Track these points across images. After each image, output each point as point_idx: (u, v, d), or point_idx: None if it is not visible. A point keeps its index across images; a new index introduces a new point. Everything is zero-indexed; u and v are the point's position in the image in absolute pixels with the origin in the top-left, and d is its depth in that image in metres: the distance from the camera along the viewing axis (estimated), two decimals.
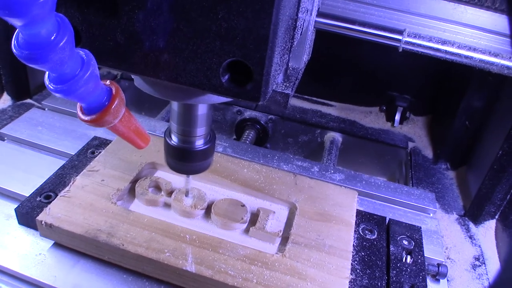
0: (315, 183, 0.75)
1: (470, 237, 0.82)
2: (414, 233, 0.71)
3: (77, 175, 0.70)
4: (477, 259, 0.77)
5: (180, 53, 0.37)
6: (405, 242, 0.69)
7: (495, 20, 0.78)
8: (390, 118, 1.16)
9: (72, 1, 0.37)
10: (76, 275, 0.59)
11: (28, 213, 0.64)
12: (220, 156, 0.78)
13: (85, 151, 0.79)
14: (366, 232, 0.70)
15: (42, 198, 0.67)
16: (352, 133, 1.09)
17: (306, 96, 1.21)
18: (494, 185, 0.80)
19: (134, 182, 0.71)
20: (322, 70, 1.15)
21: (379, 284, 0.61)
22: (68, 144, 0.84)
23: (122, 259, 0.60)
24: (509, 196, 0.80)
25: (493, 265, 0.76)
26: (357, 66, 1.15)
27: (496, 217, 0.83)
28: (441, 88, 1.13)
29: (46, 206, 0.63)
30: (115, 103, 0.38)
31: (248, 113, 1.12)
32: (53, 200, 0.65)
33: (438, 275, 0.67)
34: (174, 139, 0.54)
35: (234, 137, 1.15)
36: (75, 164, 0.75)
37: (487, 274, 0.74)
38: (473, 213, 0.85)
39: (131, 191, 0.70)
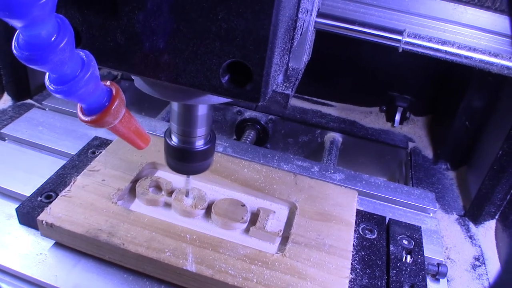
0: (315, 183, 0.75)
1: (470, 237, 0.82)
2: (414, 233, 0.71)
3: (77, 175, 0.70)
4: (477, 259, 0.77)
5: (180, 53, 0.37)
6: (405, 242, 0.69)
7: (495, 20, 0.78)
8: (390, 118, 1.16)
9: (72, 2, 0.37)
10: (76, 275, 0.59)
11: (29, 213, 0.64)
12: (220, 156, 0.78)
13: (86, 151, 0.79)
14: (366, 231, 0.70)
15: (43, 198, 0.67)
16: (352, 133, 1.09)
17: (306, 96, 1.21)
18: (494, 185, 0.80)
19: (134, 182, 0.71)
20: (322, 70, 1.15)
21: (379, 283, 0.61)
22: (68, 144, 0.84)
23: (122, 258, 0.60)
24: (509, 196, 0.80)
25: (493, 265, 0.76)
26: (357, 67, 1.15)
27: (496, 217, 0.83)
28: (441, 88, 1.13)
29: (47, 206, 0.63)
30: (115, 103, 0.38)
31: (248, 113, 1.12)
32: (54, 200, 0.65)
33: (438, 275, 0.67)
34: (174, 140, 0.55)
35: (234, 137, 1.15)
36: (75, 164, 0.75)
37: (487, 274, 0.74)
38: (473, 213, 0.85)
39: (132, 191, 0.70)
